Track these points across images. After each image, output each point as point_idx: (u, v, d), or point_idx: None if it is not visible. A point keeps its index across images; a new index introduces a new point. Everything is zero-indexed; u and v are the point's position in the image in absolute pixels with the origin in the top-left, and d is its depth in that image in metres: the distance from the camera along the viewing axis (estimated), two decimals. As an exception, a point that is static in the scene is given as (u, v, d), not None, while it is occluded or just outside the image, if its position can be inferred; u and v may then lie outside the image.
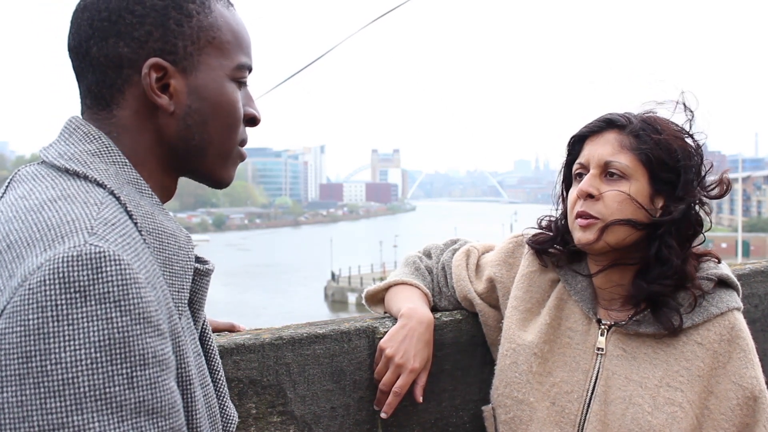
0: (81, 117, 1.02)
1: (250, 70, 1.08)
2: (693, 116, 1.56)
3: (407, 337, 1.63)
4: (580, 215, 1.51)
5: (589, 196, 1.50)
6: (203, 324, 1.11)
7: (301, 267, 71.57)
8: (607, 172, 1.50)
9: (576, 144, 1.60)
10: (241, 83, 1.07)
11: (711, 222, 1.58)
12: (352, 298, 49.48)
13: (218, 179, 1.09)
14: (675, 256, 1.48)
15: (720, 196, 1.55)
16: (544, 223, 1.70)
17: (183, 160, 1.04)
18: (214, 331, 1.56)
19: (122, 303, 0.80)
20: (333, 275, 57.91)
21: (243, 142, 1.10)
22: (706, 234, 1.57)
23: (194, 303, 1.04)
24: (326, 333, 1.63)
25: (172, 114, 1.00)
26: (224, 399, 1.10)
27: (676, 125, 1.55)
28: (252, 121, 1.10)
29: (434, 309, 1.81)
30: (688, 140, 1.54)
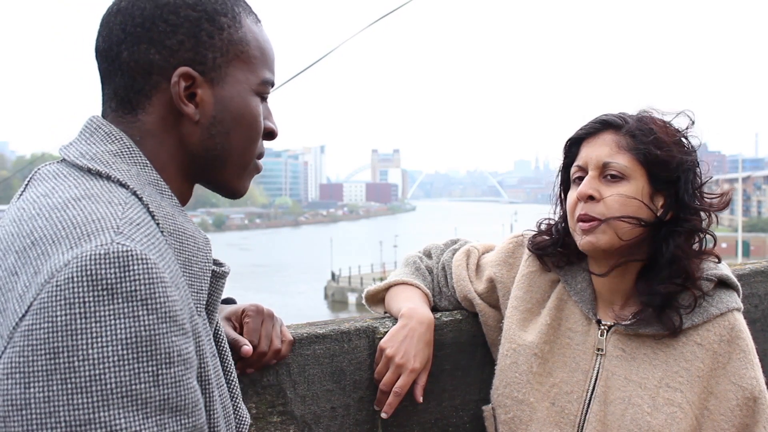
0: (102, 117, 1.03)
1: (272, 85, 1.10)
2: (693, 123, 1.56)
3: (407, 337, 1.63)
4: (581, 218, 1.51)
5: (590, 198, 1.50)
6: (216, 325, 1.12)
7: (301, 267, 71.58)
8: (605, 173, 1.50)
9: (572, 146, 1.60)
10: (263, 97, 1.09)
11: (717, 219, 1.57)
12: (352, 298, 49.47)
13: (234, 190, 1.11)
14: (684, 256, 1.49)
15: (719, 208, 1.54)
16: (543, 227, 1.70)
17: (202, 168, 1.06)
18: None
19: (149, 301, 0.81)
20: (333, 275, 57.91)
21: (260, 155, 1.12)
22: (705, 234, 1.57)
23: (209, 304, 1.05)
24: (326, 333, 1.63)
25: (197, 123, 1.02)
26: (237, 400, 1.11)
27: (671, 124, 1.55)
28: (270, 134, 1.12)
29: (434, 309, 1.81)
30: (684, 139, 1.54)
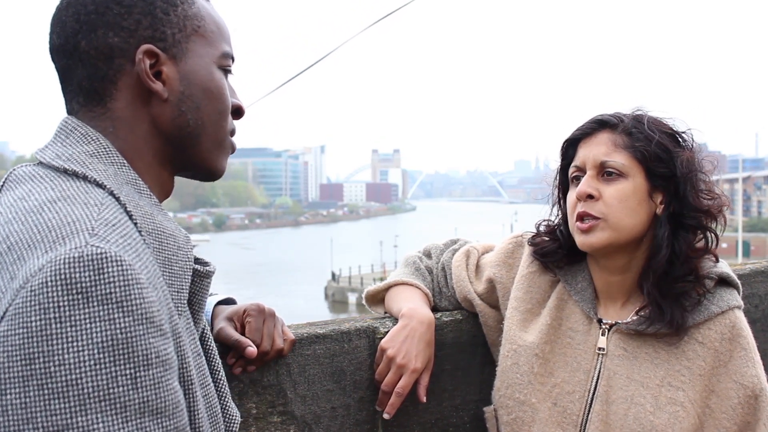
0: (76, 118, 1.02)
1: (233, 59, 1.10)
2: (688, 128, 1.56)
3: (408, 337, 1.63)
4: (580, 217, 1.51)
5: (589, 197, 1.50)
6: (203, 324, 1.11)
7: (302, 267, 71.57)
8: (604, 171, 1.51)
9: (569, 148, 1.60)
10: (226, 71, 1.09)
11: (725, 220, 1.56)
12: (352, 298, 49.46)
13: (212, 168, 1.09)
14: (692, 252, 1.50)
15: (715, 212, 1.53)
16: (542, 229, 1.70)
17: (178, 149, 1.05)
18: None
19: (124, 303, 0.80)
20: (333, 275, 57.90)
21: (232, 132, 1.12)
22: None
23: (194, 304, 1.04)
24: (326, 333, 1.63)
25: (166, 101, 1.01)
26: (226, 399, 1.10)
27: (665, 122, 1.56)
28: (237, 112, 1.12)
29: (434, 309, 1.81)
30: (680, 136, 1.55)
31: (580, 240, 1.52)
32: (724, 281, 1.54)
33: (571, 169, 1.58)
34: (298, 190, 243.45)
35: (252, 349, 1.36)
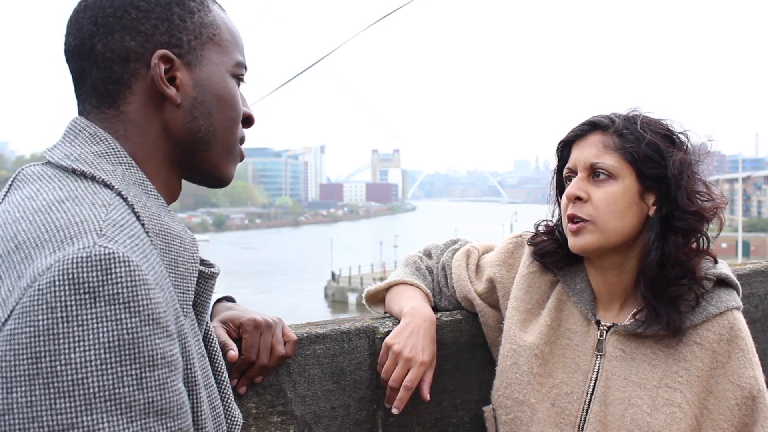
0: (85, 118, 1.02)
1: (245, 68, 1.12)
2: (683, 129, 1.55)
3: (413, 333, 1.63)
4: (570, 219, 1.52)
5: (578, 199, 1.51)
6: (207, 326, 1.11)
7: (302, 267, 71.57)
8: (594, 173, 1.51)
9: (564, 149, 1.61)
10: (239, 80, 1.10)
11: (722, 221, 1.55)
12: (352, 298, 49.46)
13: (221, 175, 1.11)
14: (685, 256, 1.49)
15: (710, 214, 1.51)
16: (541, 229, 1.70)
17: (188, 155, 1.06)
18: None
19: (131, 304, 0.80)
20: (333, 275, 57.89)
21: (242, 140, 1.13)
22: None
23: (198, 305, 1.05)
24: (326, 333, 1.64)
25: (179, 106, 1.02)
26: (228, 400, 1.10)
27: (661, 122, 1.55)
28: (247, 120, 1.13)
29: (435, 309, 1.81)
30: (674, 136, 1.54)
31: (571, 242, 1.53)
32: (723, 282, 1.54)
33: (565, 171, 1.59)
34: (298, 190, 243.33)
35: (233, 353, 1.37)
